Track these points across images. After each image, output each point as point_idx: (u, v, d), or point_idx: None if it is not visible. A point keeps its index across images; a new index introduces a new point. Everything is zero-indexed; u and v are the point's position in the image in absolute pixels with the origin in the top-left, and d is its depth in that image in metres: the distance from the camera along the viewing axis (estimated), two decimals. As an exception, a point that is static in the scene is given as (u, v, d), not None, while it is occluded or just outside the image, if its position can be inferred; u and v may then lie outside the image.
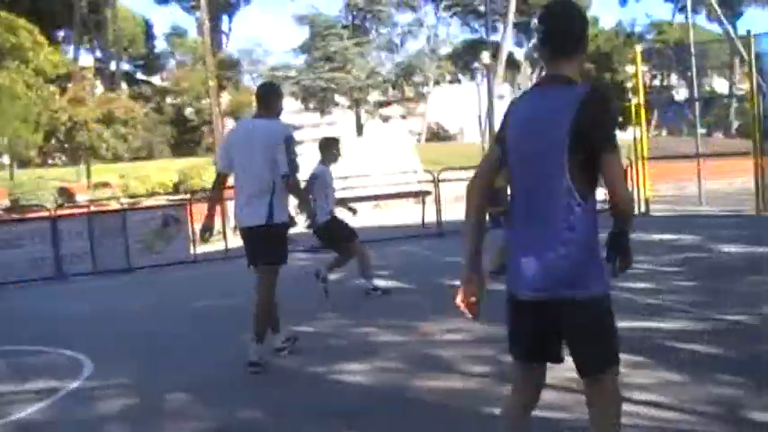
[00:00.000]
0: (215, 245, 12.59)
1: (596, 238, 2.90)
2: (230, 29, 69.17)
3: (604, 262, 2.93)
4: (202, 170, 28.11)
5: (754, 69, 14.67)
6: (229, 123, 30.91)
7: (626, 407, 4.61)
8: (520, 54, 72.34)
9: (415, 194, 18.31)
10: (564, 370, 3.26)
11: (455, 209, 15.61)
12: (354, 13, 47.78)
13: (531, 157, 2.92)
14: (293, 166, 6.00)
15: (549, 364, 3.20)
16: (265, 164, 5.93)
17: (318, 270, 9.09)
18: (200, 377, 6.01)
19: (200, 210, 10.28)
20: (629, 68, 57.69)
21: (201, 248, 13.19)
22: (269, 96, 6.39)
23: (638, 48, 18.54)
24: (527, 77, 74.64)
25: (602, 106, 2.86)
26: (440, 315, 7.36)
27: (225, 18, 61.67)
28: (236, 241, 10.02)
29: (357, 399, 5.25)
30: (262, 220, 5.94)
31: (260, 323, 6.03)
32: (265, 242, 5.99)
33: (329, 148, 9.13)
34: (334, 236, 8.96)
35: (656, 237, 12.28)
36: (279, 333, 6.45)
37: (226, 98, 47.89)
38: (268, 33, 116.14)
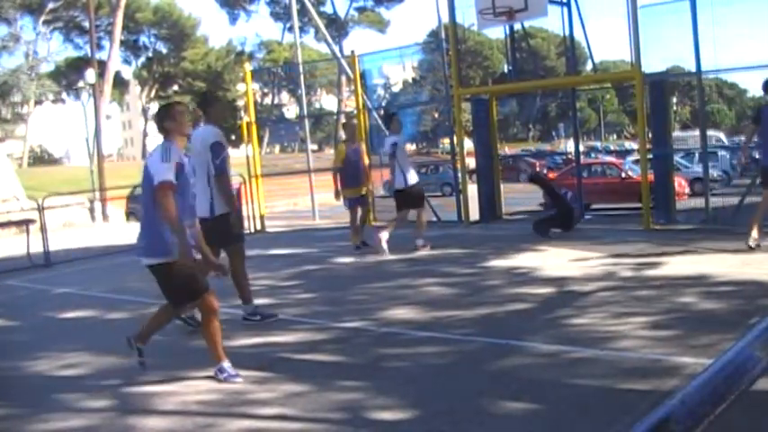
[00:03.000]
0: None
1: None
2: None
3: None
4: None
5: (359, 87, 15.70)
6: None
7: (255, 423, 4.59)
8: (128, 72, 70.59)
9: (18, 223, 16.81)
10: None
11: (62, 237, 14.55)
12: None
13: None
14: (219, 167, 6.90)
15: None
16: (202, 165, 6.89)
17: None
18: None
19: None
20: (241, 87, 59.17)
21: None
22: (203, 105, 7.39)
23: (249, 66, 18.88)
24: (136, 96, 73.07)
25: None
26: (52, 351, 6.73)
27: None
28: None
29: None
30: (205, 213, 6.84)
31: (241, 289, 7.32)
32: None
33: (394, 121, 11.51)
34: (407, 200, 11.16)
35: (274, 252, 12.55)
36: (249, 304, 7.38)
37: None
38: None
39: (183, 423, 4.69)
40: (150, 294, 9.19)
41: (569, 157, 23.42)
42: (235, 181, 16.89)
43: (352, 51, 16.34)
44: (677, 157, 18.69)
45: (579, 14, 13.92)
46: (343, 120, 19.45)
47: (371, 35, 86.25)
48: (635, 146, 27.71)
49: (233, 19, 71.04)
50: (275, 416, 4.66)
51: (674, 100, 57.91)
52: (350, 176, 11.65)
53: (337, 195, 11.83)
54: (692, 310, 6.53)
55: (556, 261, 9.55)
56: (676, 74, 15.11)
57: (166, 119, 5.52)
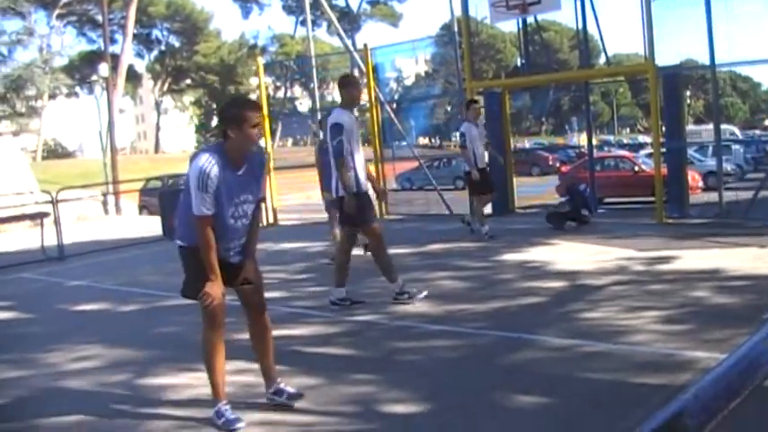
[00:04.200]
0: None
1: None
2: None
3: None
4: None
5: (371, 80, 15.68)
6: None
7: (267, 415, 4.60)
8: (141, 66, 70.74)
9: (32, 216, 16.92)
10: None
11: (76, 230, 14.62)
12: (-53, 18, 42.82)
13: None
14: (335, 148, 7.16)
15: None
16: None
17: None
18: None
19: None
20: (253, 80, 59.19)
21: None
22: (340, 87, 7.62)
23: (262, 60, 18.93)
24: (149, 90, 73.25)
25: None
26: (65, 344, 6.78)
27: None
28: None
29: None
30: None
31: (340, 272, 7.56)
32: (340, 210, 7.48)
33: (473, 108, 11.54)
34: (479, 183, 11.24)
35: (286, 246, 12.58)
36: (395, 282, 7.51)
37: None
38: None
39: (196, 415, 4.71)
40: (162, 287, 9.26)
41: (582, 150, 23.34)
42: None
43: (365, 45, 16.31)
44: (691, 151, 18.58)
45: (592, 7, 13.87)
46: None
47: (384, 28, 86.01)
48: (648, 139, 27.58)
49: (246, 13, 71.00)
50: (288, 408, 4.67)
51: (688, 93, 57.55)
52: (323, 177, 10.53)
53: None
54: (706, 305, 6.51)
55: (568, 255, 9.53)
56: (690, 67, 15.01)
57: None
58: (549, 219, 11.89)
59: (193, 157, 4.56)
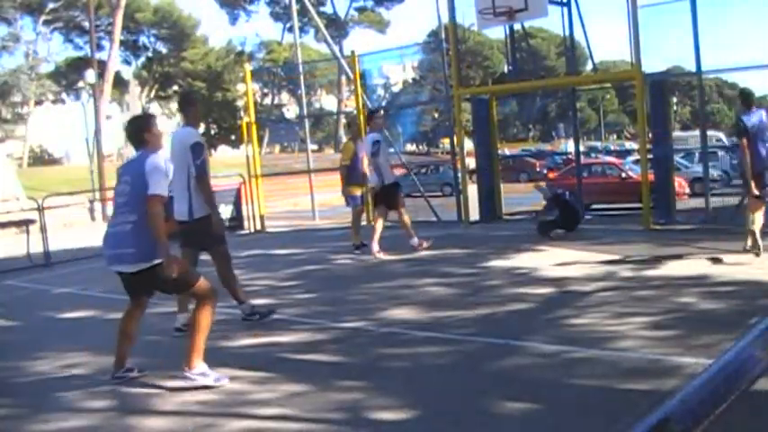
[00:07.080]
0: None
1: None
2: None
3: None
4: None
5: (359, 87, 15.69)
6: None
7: (255, 423, 4.58)
8: (128, 72, 70.43)
9: (18, 224, 16.83)
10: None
11: (63, 237, 14.53)
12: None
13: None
14: (199, 169, 6.67)
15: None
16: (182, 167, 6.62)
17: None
18: None
19: None
20: (241, 87, 59.00)
21: None
22: (181, 105, 7.64)
23: (249, 66, 18.89)
24: (136, 96, 72.98)
25: None
26: (52, 351, 6.73)
27: None
28: None
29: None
30: (184, 216, 6.74)
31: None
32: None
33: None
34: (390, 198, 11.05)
35: (274, 252, 12.55)
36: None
37: None
38: None
39: (182, 423, 4.69)
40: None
41: (569, 157, 23.42)
42: (235, 181, 17.12)
43: (352, 51, 16.34)
44: (677, 158, 18.67)
45: (579, 14, 13.93)
46: (344, 119, 19.45)
47: (371, 35, 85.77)
48: (635, 146, 27.66)
49: (233, 19, 70.81)
50: (275, 416, 4.65)
51: (675, 100, 57.91)
52: (358, 173, 11.61)
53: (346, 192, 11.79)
54: (692, 311, 6.53)
55: (556, 261, 9.54)
56: (676, 74, 15.13)
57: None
58: (540, 229, 11.86)
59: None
